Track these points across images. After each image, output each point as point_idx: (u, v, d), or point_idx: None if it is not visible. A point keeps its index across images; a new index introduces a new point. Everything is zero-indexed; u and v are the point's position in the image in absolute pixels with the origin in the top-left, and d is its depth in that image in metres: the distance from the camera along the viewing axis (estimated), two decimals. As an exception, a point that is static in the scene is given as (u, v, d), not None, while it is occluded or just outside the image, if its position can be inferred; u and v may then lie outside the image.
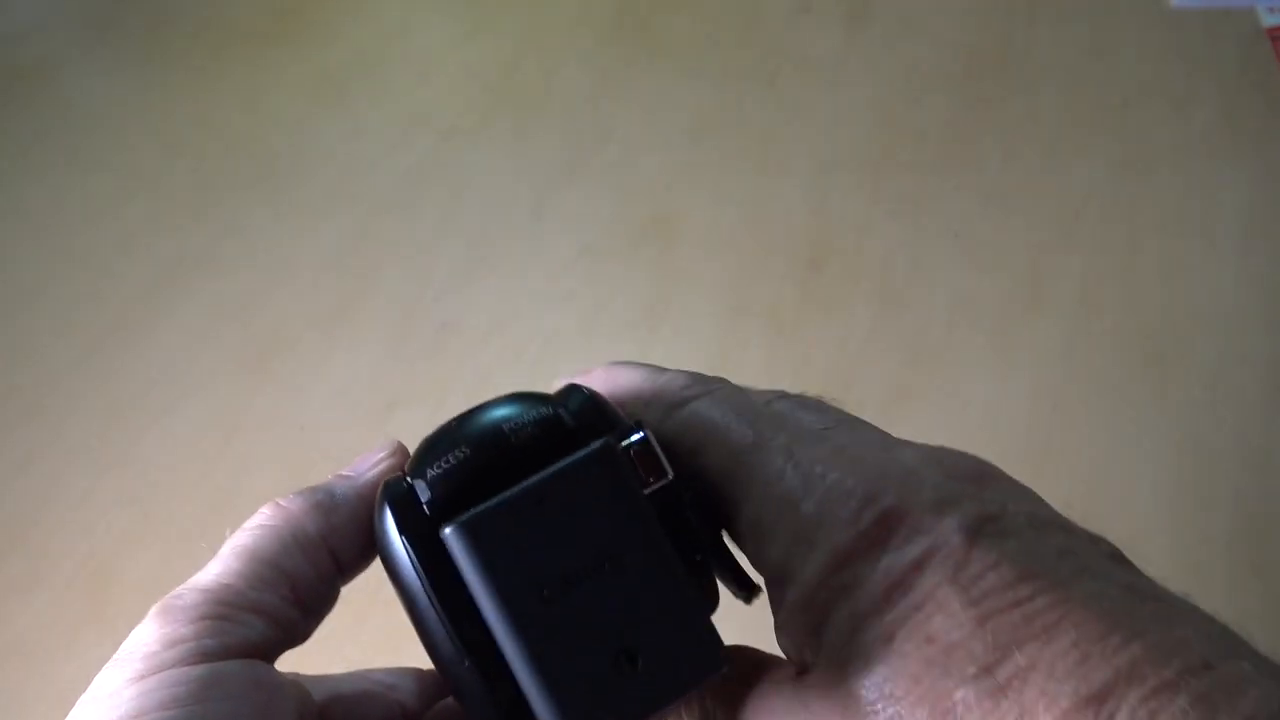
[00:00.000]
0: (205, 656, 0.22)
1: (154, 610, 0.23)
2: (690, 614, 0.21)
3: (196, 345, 0.69)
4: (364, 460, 0.27)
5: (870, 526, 0.21)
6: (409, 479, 0.23)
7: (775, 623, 0.23)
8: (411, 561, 0.22)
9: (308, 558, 0.24)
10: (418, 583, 0.22)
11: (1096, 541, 0.23)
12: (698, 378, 0.27)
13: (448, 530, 0.21)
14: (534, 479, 0.22)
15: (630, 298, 0.69)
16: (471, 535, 0.21)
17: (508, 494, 0.21)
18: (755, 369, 0.63)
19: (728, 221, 0.73)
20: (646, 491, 0.22)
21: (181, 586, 0.23)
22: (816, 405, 0.27)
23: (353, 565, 0.25)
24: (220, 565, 0.24)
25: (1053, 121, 0.78)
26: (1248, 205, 0.71)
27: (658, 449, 0.23)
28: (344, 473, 0.26)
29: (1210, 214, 0.70)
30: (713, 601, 0.24)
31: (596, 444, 0.22)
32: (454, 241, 0.74)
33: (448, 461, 0.23)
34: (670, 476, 0.23)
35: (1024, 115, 0.79)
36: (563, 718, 0.20)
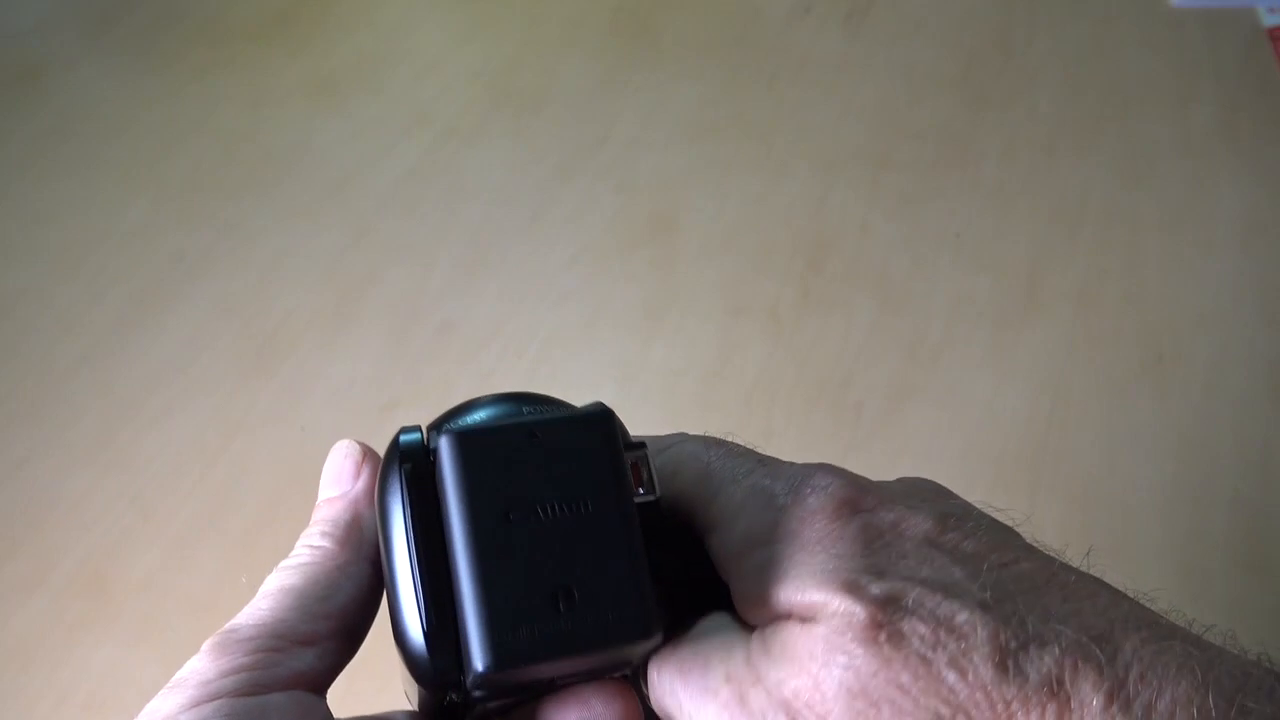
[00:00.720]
0: (257, 688, 0.23)
1: (208, 644, 0.24)
2: (638, 579, 0.22)
3: (196, 345, 0.69)
4: (342, 476, 0.27)
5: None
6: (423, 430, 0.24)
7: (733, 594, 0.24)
8: (402, 492, 0.23)
9: (352, 582, 0.25)
10: (400, 509, 0.23)
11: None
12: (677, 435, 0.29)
13: (441, 439, 0.22)
14: (532, 418, 0.23)
15: (630, 298, 0.69)
16: (459, 444, 0.22)
17: (504, 422, 0.23)
18: (755, 369, 0.63)
19: (727, 221, 0.73)
20: (635, 500, 0.23)
21: (234, 620, 0.24)
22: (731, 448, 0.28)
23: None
24: (269, 601, 0.25)
25: (1053, 121, 0.78)
26: (1248, 205, 0.71)
27: (653, 465, 0.24)
28: (339, 496, 0.27)
29: (1210, 214, 0.70)
30: (660, 604, 0.23)
31: (598, 407, 0.23)
32: (454, 241, 0.74)
33: (459, 422, 0.24)
34: (657, 494, 0.24)
35: (1024, 115, 0.79)
36: (488, 627, 0.21)
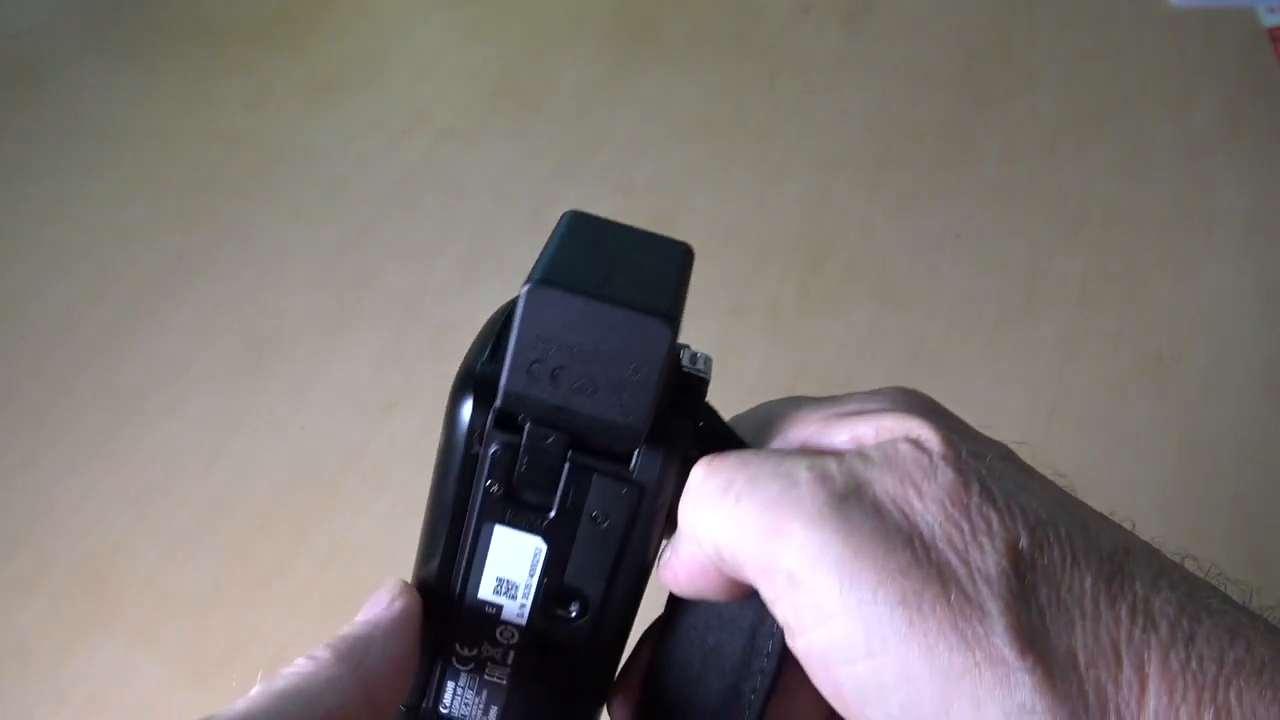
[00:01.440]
0: None
1: None
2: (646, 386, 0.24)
3: (196, 345, 0.69)
4: (376, 604, 0.27)
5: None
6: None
7: None
8: (464, 431, 0.25)
9: (336, 694, 0.25)
10: (459, 448, 0.25)
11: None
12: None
13: (526, 287, 0.24)
14: (615, 306, 0.24)
15: (630, 298, 0.69)
16: (540, 293, 0.24)
17: (593, 292, 0.24)
18: (755, 369, 0.63)
19: (727, 221, 0.73)
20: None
21: (216, 713, 0.24)
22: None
23: (388, 701, 0.26)
24: (249, 702, 0.24)
25: (1053, 121, 0.78)
26: (1248, 205, 0.71)
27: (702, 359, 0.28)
28: (363, 617, 0.27)
29: (1210, 214, 0.70)
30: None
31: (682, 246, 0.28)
32: (454, 241, 0.74)
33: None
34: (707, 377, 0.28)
35: (1024, 115, 0.79)
36: (512, 352, 0.24)
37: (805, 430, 0.26)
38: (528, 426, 0.25)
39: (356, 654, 0.26)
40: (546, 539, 0.26)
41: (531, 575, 0.26)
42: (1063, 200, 0.72)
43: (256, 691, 0.25)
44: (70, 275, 0.74)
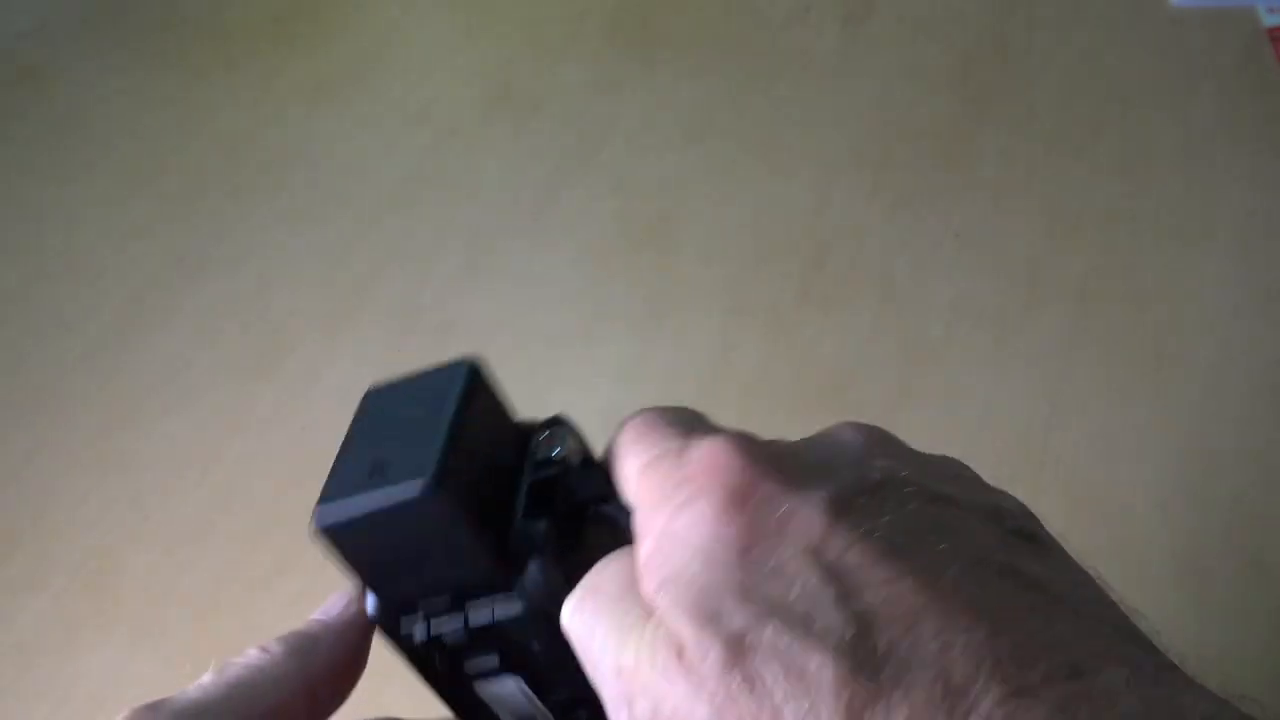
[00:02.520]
0: None
1: (133, 711, 0.24)
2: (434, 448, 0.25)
3: (196, 345, 0.69)
4: (330, 605, 0.28)
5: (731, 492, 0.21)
6: None
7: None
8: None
9: (280, 691, 0.26)
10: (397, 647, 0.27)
11: (999, 517, 0.22)
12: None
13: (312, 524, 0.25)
14: (381, 499, 0.24)
15: (630, 298, 0.69)
16: (325, 514, 0.25)
17: (358, 501, 0.25)
18: (755, 369, 0.63)
19: (728, 221, 0.73)
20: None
21: (162, 699, 0.25)
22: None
23: (329, 702, 0.27)
24: (199, 691, 0.25)
25: (1052, 121, 0.78)
26: (1248, 205, 0.71)
27: (569, 436, 0.28)
28: (317, 616, 0.28)
29: (1210, 214, 0.70)
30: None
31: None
32: (454, 241, 0.74)
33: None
34: (563, 457, 0.27)
35: (1024, 115, 0.79)
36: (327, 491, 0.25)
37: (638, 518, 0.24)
38: (418, 617, 0.26)
39: (304, 651, 0.27)
40: (516, 672, 0.26)
41: (533, 701, 0.27)
42: (1063, 200, 0.72)
43: (209, 679, 0.26)
44: (70, 275, 0.74)
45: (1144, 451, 0.57)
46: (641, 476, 0.24)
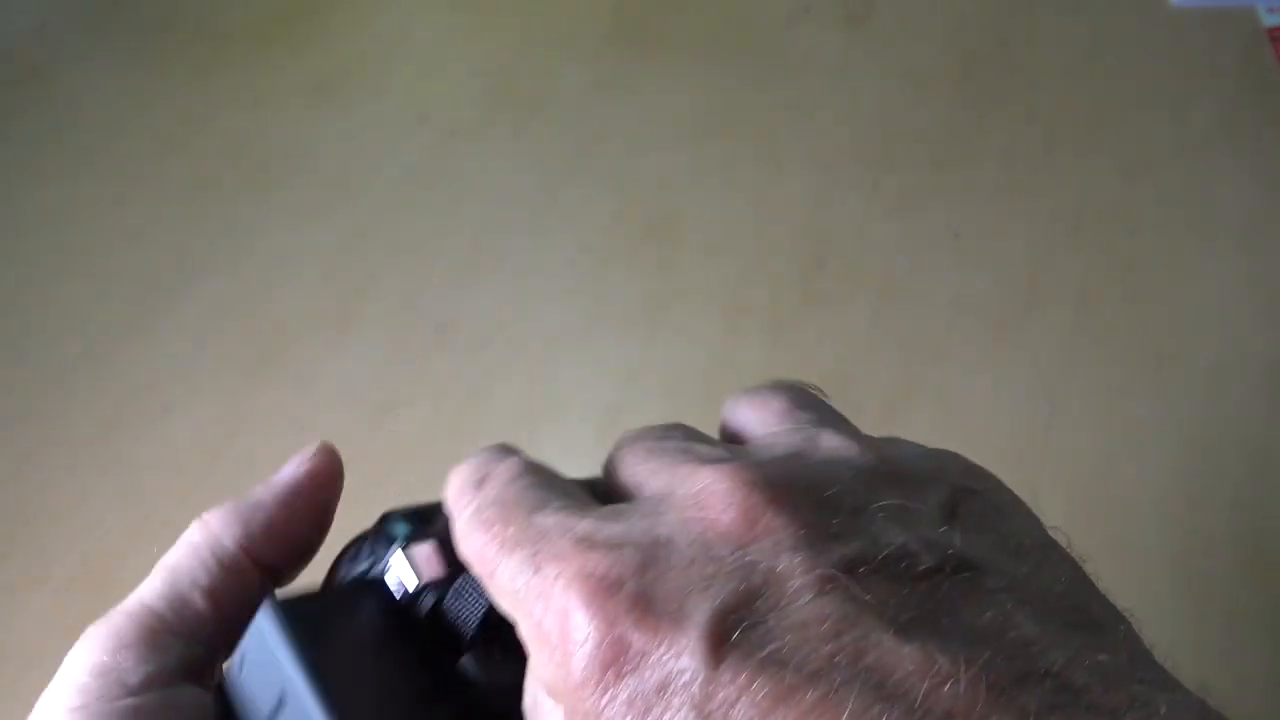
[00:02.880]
0: (127, 690, 0.23)
1: (85, 635, 0.24)
2: None
3: (196, 345, 0.69)
4: (288, 465, 0.28)
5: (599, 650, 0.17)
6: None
7: None
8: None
9: (227, 571, 0.25)
10: None
11: (933, 551, 0.19)
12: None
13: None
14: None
15: (630, 298, 0.69)
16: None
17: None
18: (755, 369, 0.63)
19: (728, 221, 0.73)
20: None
21: (113, 609, 0.24)
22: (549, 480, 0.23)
23: (281, 568, 0.26)
24: (146, 588, 0.25)
25: (1053, 121, 0.78)
26: (1248, 205, 0.71)
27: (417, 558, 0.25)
28: (269, 479, 0.27)
29: (1210, 214, 0.70)
30: None
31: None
32: (454, 241, 0.74)
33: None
34: (417, 585, 0.24)
35: (1024, 115, 0.79)
36: None
37: None
38: None
39: (243, 516, 0.26)
40: None
41: None
42: (1063, 200, 0.72)
43: (154, 571, 0.25)
44: (70, 275, 0.74)
45: (1144, 451, 0.57)
46: (490, 581, 0.20)
